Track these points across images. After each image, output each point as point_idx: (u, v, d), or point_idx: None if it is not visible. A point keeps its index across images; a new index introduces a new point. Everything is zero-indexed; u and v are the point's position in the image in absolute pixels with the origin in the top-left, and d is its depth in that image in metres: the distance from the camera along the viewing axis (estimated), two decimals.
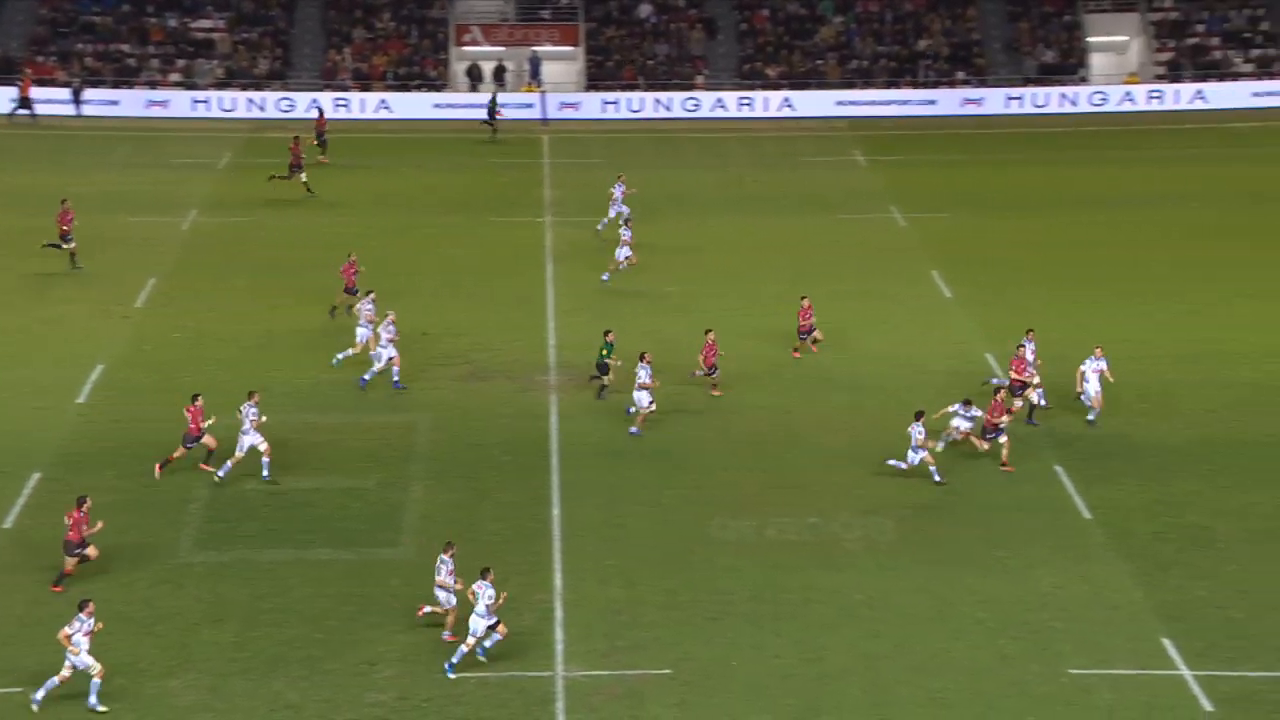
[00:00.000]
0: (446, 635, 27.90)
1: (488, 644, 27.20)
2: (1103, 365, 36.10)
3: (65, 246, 47.07)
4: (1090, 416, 36.13)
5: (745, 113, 70.88)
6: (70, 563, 29.48)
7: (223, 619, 28.44)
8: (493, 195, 57.29)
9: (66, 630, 25.70)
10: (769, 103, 71.26)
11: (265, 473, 33.68)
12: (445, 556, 28.01)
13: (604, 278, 46.52)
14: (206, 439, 33.79)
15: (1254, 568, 29.76)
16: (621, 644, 27.93)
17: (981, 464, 34.59)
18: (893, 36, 74.65)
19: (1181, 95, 70.42)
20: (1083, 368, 36.27)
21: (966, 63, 73.43)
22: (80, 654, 25.66)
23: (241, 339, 42.64)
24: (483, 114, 65.94)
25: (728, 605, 29.30)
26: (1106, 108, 70.33)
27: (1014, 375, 36.66)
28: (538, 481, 34.34)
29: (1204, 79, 71.47)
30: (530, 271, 48.78)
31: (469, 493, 33.87)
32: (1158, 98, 70.58)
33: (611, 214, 50.92)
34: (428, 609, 28.32)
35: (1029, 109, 70.44)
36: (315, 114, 63.89)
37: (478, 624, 26.94)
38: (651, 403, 36.40)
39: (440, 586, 27.97)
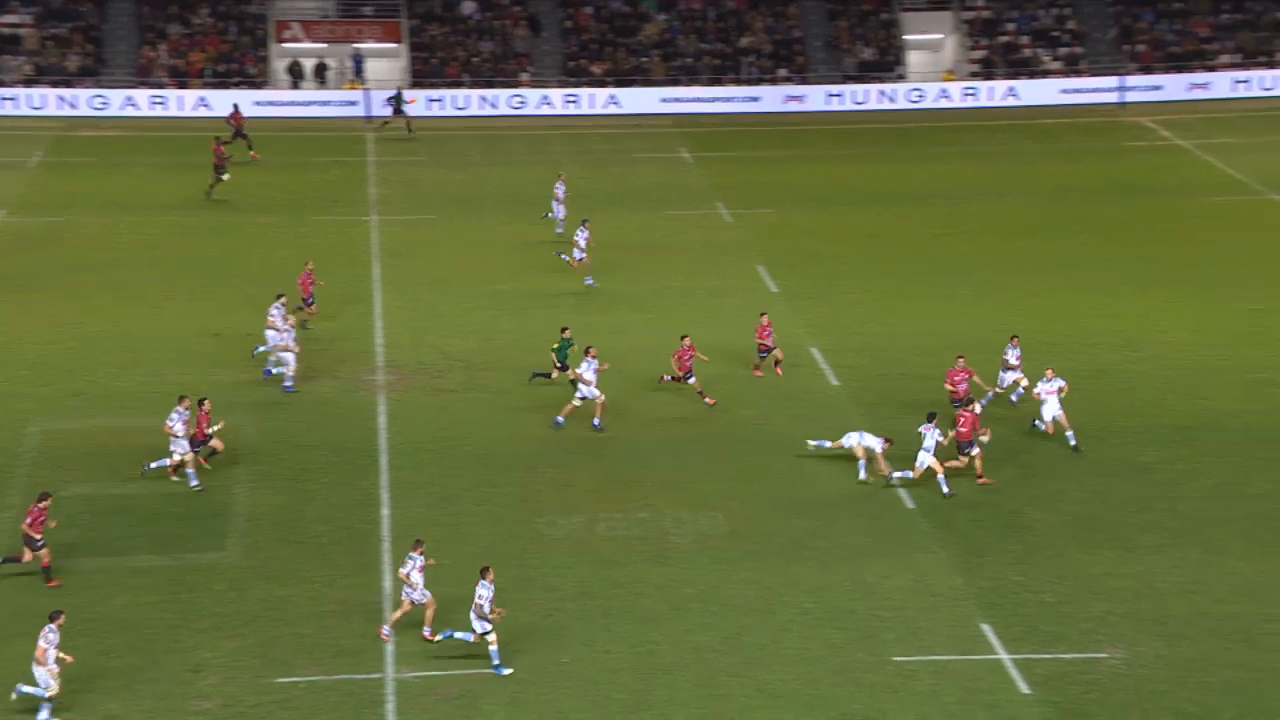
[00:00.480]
0: (428, 632, 27.63)
1: (469, 638, 26.95)
2: (1058, 384, 34.72)
3: None
4: (1072, 443, 34.48)
5: (571, 110, 70.93)
6: None
7: (37, 631, 27.60)
8: (316, 194, 56.54)
9: (41, 644, 25.23)
10: (595, 100, 71.39)
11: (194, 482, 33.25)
12: (414, 554, 27.79)
13: (589, 281, 46.15)
14: (214, 442, 33.52)
15: (1066, 553, 30.59)
16: (453, 644, 27.74)
17: (809, 456, 35.04)
18: (715, 34, 75.28)
19: (995, 92, 72.11)
20: (1037, 391, 34.99)
21: (788, 60, 74.35)
22: (41, 665, 25.17)
23: (57, 341, 41.52)
24: (306, 111, 64.88)
25: (558, 602, 29.28)
26: (924, 104, 71.75)
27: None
28: (366, 482, 33.98)
29: (1015, 76, 73.28)
30: (357, 271, 48.25)
31: (295, 494, 33.39)
32: (972, 95, 72.19)
33: (560, 213, 50.81)
34: (388, 629, 27.81)
35: (849, 106, 71.58)
36: (231, 111, 62.16)
37: (477, 623, 26.85)
38: (599, 394, 36.29)
39: (409, 585, 27.72)
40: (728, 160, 62.74)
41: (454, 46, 74.09)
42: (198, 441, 33.53)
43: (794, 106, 71.65)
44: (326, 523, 32.21)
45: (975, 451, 33.20)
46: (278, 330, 38.50)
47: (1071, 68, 73.71)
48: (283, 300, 39.21)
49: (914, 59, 75.49)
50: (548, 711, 25.94)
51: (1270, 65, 73.23)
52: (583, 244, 46.05)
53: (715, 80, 73.35)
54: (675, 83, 72.87)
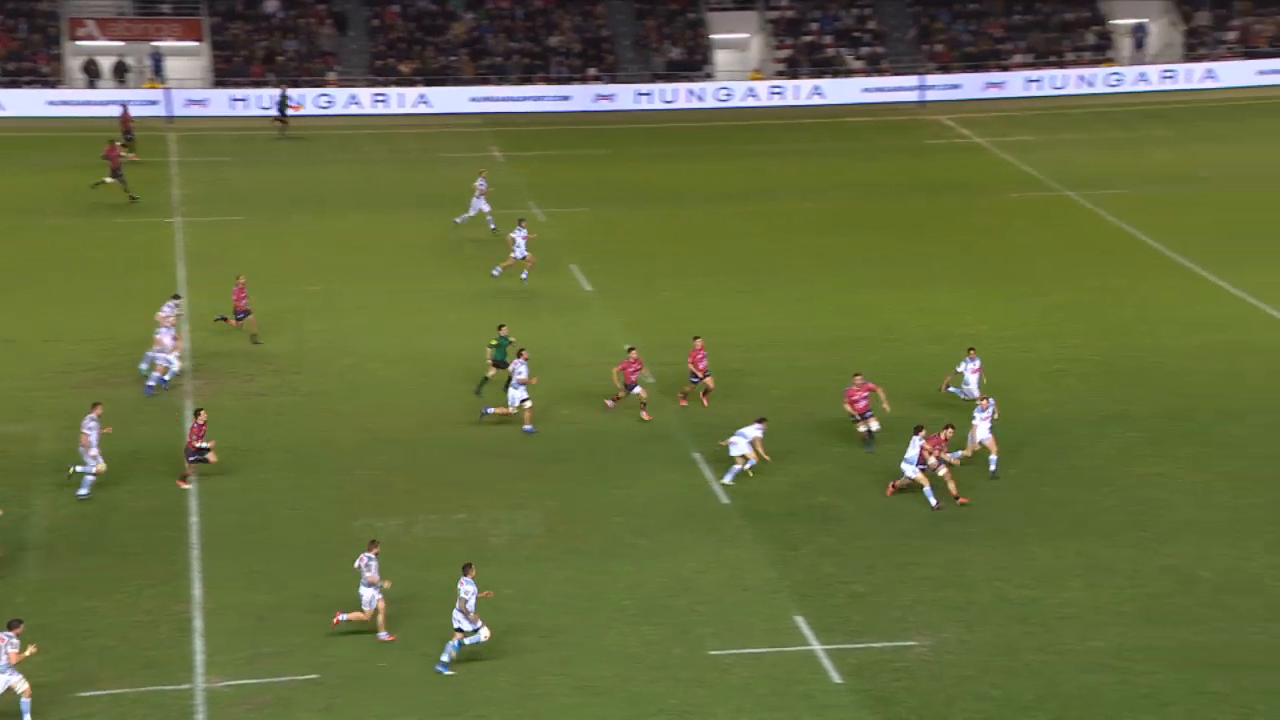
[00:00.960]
0: (384, 636, 27.48)
1: (468, 642, 26.86)
2: (992, 413, 33.69)
3: None
4: (992, 468, 33.55)
5: (380, 109, 70.29)
6: None
7: None
8: (117, 195, 55.13)
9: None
10: (404, 99, 70.84)
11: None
12: (369, 555, 27.59)
13: (523, 276, 45.87)
14: (210, 457, 32.96)
15: (876, 544, 31.21)
16: (266, 650, 27.34)
17: (625, 454, 35.23)
18: (524, 33, 75.23)
19: (800, 91, 73.26)
20: (974, 421, 33.90)
21: (597, 59, 74.64)
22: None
23: None
24: (117, 113, 63.15)
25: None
26: (732, 103, 72.59)
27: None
28: (174, 489, 33.27)
29: (820, 75, 74.54)
30: (161, 273, 47.21)
31: (100, 503, 32.55)
32: (779, 93, 73.24)
33: (475, 210, 50.82)
34: (344, 616, 27.60)
35: (658, 104, 72.12)
36: (119, 111, 60.51)
37: (463, 621, 26.71)
38: (527, 399, 35.94)
39: (369, 584, 27.46)
40: (540, 159, 62.76)
41: (257, 45, 72.88)
42: (191, 452, 32.97)
43: (604, 105, 71.95)
44: (133, 531, 31.48)
45: (943, 472, 32.34)
46: (167, 338, 37.86)
47: (873, 67, 75.23)
48: (177, 301, 39.30)
49: (721, 58, 76.35)
50: (363, 716, 25.71)
51: (1060, 65, 75.63)
52: (521, 242, 45.77)
53: (525, 79, 73.34)
54: (485, 82, 72.67)
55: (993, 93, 73.30)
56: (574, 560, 30.75)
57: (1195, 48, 76.65)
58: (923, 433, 32.42)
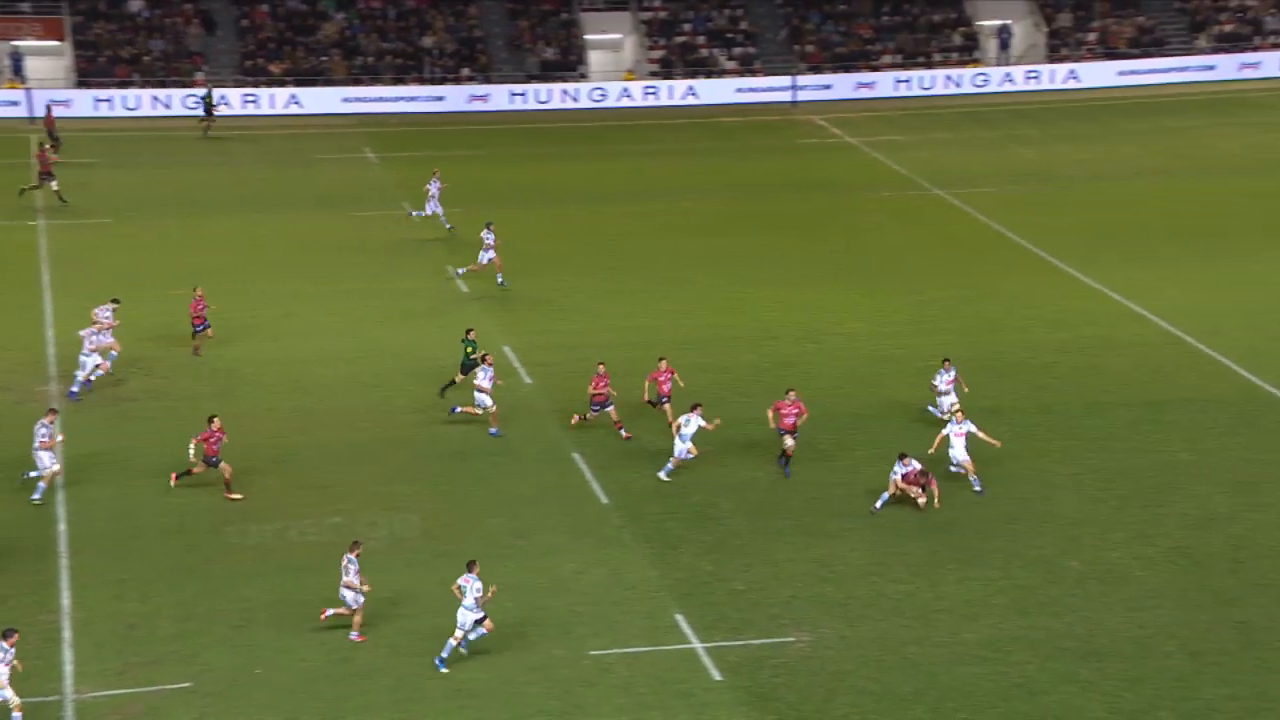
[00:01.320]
0: (354, 636, 27.47)
1: (472, 637, 26.94)
2: (968, 428, 33.05)
3: None
4: (976, 488, 32.99)
5: (251, 110, 69.32)
6: None
7: None
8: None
9: None
10: (275, 100, 69.95)
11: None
12: (351, 556, 27.55)
13: (500, 280, 45.49)
14: (223, 466, 32.67)
15: (754, 541, 31.37)
16: (137, 660, 26.83)
17: (504, 455, 35.07)
18: (397, 33, 74.65)
19: (675, 91, 73.50)
20: (945, 432, 33.28)
21: (471, 60, 74.27)
22: (2, 686, 24.62)
23: None
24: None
25: (250, 612, 28.60)
26: (606, 104, 72.62)
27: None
28: (43, 498, 32.52)
29: (694, 76, 74.84)
30: (24, 277, 46.14)
31: None
32: (653, 94, 73.41)
33: (429, 210, 50.45)
34: (331, 611, 27.42)
35: (533, 105, 71.94)
36: (44, 113, 59.36)
37: (465, 617, 26.74)
38: (492, 403, 35.70)
39: (347, 586, 27.45)
40: (414, 160, 62.25)
41: (122, 45, 71.55)
42: (211, 460, 32.48)
43: (478, 106, 71.63)
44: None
45: (934, 488, 32.16)
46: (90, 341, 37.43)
47: (746, 68, 75.69)
48: (115, 305, 38.86)
49: (595, 59, 76.35)
50: None
51: (928, 66, 76.65)
52: (490, 244, 45.25)
53: (398, 80, 72.76)
54: (357, 82, 72.00)
55: (863, 93, 74.10)
56: (451, 563, 30.48)
57: (1058, 49, 78.10)
58: (906, 460, 32.00)
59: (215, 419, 32.79)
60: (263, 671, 26.78)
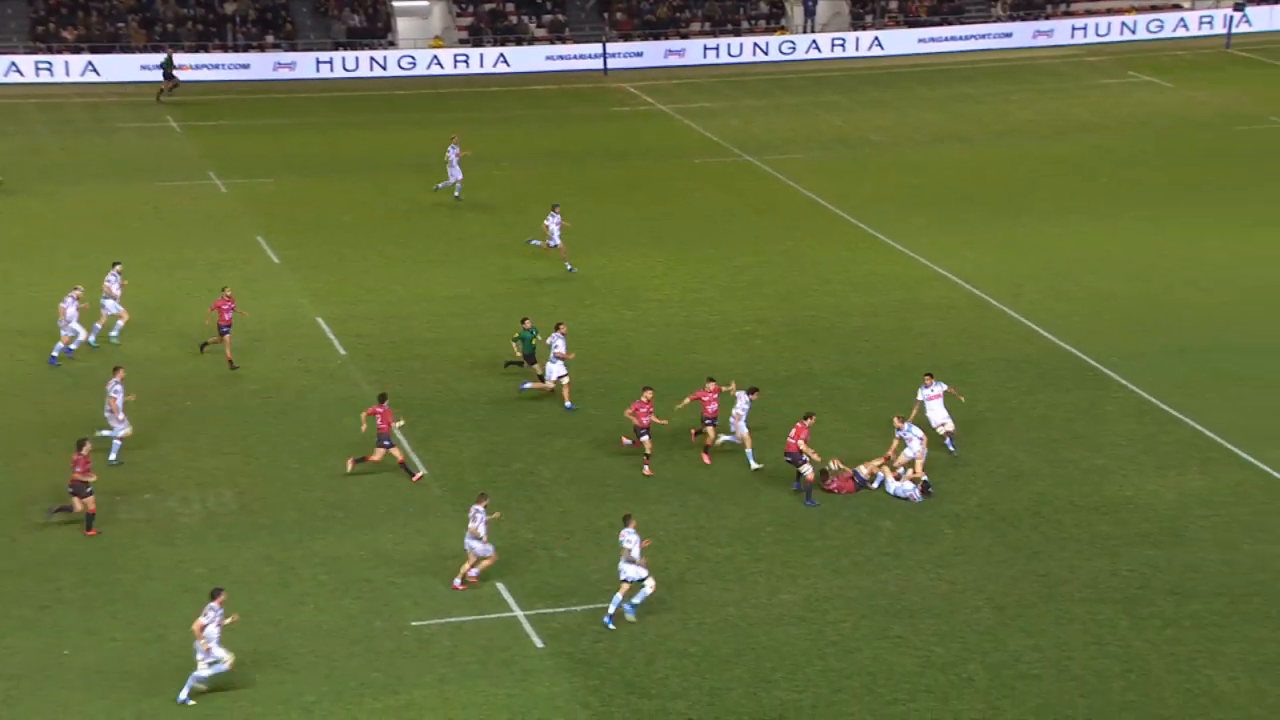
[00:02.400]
0: (458, 583, 28.09)
1: (637, 600, 26.98)
2: (941, 388, 33.17)
3: None
4: (950, 448, 33.23)
5: (45, 78, 67.08)
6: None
7: None
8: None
9: (200, 620, 24.69)
10: (70, 67, 67.77)
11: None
12: (479, 507, 28.01)
13: (569, 268, 43.70)
14: (394, 450, 32.15)
15: (574, 509, 31.38)
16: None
17: (321, 426, 34.56)
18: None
19: (486, 59, 72.95)
20: (919, 397, 33.31)
21: (276, 27, 72.74)
22: (212, 647, 24.73)
23: None
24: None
25: (57, 592, 27.81)
26: (416, 71, 71.79)
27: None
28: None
29: (504, 43, 74.33)
30: None
31: None
32: (464, 61, 72.78)
33: (453, 179, 49.73)
34: (466, 576, 28.04)
35: (340, 73, 70.78)
36: None
37: (629, 571, 26.81)
38: (566, 374, 35.29)
39: (473, 536, 27.92)
40: (218, 129, 60.87)
41: None
42: (384, 438, 31.86)
43: (285, 74, 70.26)
44: None
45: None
46: (114, 297, 38.19)
47: (556, 35, 75.40)
48: (119, 269, 38.61)
49: (403, 26, 75.38)
50: (45, 706, 24.65)
51: (736, 33, 77.22)
52: (554, 229, 43.38)
53: (200, 47, 71.01)
54: (157, 49, 70.07)
55: (673, 60, 74.39)
56: (267, 536, 30.04)
57: (861, 17, 79.26)
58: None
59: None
60: (71, 652, 26.05)
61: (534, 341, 36.33)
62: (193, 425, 34.65)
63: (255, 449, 33.61)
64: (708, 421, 33.28)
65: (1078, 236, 48.66)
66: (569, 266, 43.86)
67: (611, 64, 73.12)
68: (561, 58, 73.60)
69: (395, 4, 75.47)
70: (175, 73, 64.05)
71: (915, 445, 32.01)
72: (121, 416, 32.77)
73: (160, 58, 65.48)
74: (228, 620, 25.24)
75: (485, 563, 28.46)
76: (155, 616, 27.21)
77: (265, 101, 66.06)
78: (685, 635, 27.08)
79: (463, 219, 50.22)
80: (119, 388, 32.74)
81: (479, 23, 75.23)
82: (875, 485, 32.20)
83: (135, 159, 56.21)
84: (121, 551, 29.18)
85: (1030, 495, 31.96)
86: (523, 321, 36.75)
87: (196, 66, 69.16)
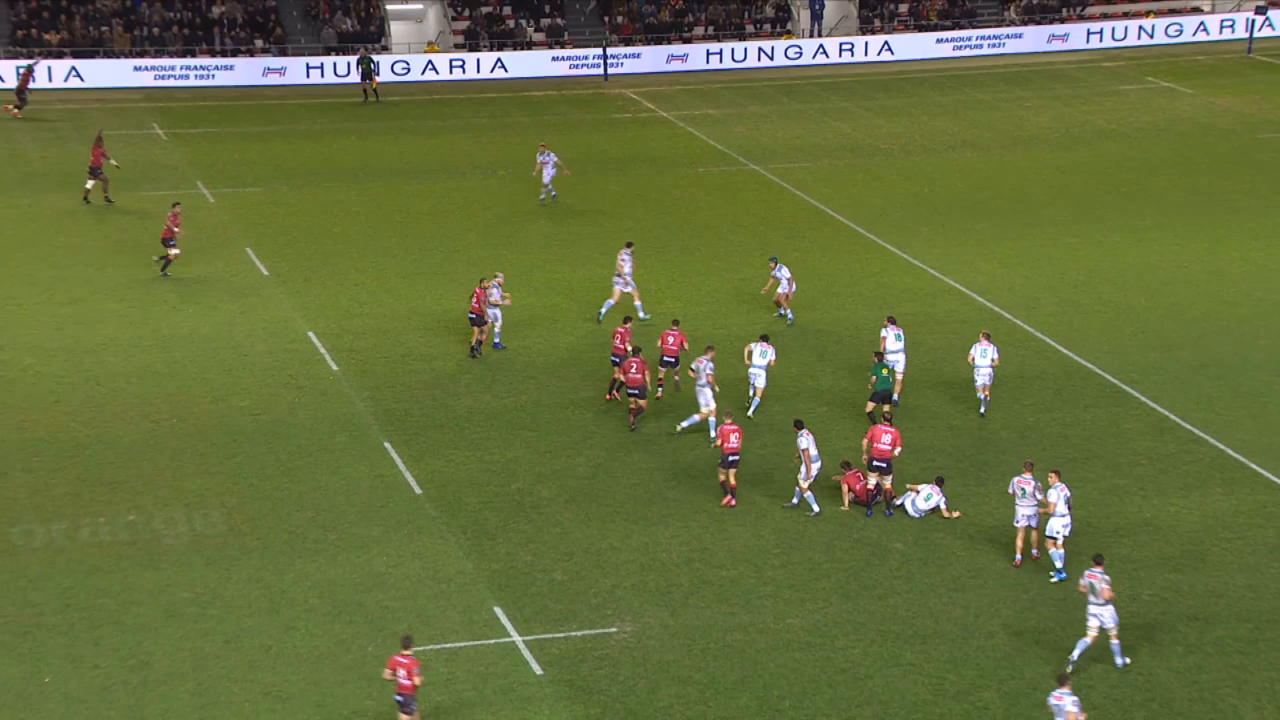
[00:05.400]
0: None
1: (1116, 648, 26.88)
2: (991, 353, 36.18)
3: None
4: (981, 410, 36.28)
5: (28, 83, 67.00)
6: None
7: None
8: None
9: None
10: (55, 72, 67.82)
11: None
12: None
13: (788, 316, 42.05)
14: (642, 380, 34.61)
15: (574, 530, 31.33)
16: None
17: (311, 444, 34.53)
18: (183, 2, 72.88)
19: (483, 64, 73.02)
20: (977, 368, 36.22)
21: (264, 31, 72.84)
22: None
23: None
24: None
25: (38, 617, 27.78)
26: (410, 77, 71.84)
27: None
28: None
29: (501, 48, 74.39)
30: None
31: None
32: (460, 67, 72.86)
33: (547, 179, 51.13)
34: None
35: (331, 79, 70.83)
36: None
37: (1102, 614, 26.69)
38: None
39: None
40: (206, 136, 60.92)
41: None
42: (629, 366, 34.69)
43: (274, 80, 70.32)
44: None
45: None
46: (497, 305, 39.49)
47: (555, 40, 75.48)
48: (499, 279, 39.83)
49: (397, 30, 75.46)
50: None
51: (741, 38, 77.31)
52: (785, 280, 41.92)
53: (187, 51, 71.09)
54: (142, 54, 70.14)
55: (676, 66, 74.46)
56: (256, 560, 29.99)
57: (870, 20, 79.35)
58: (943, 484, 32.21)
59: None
60: (52, 679, 25.98)
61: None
62: (179, 443, 34.60)
63: (244, 468, 33.56)
64: (667, 361, 36.51)
65: (1095, 248, 48.66)
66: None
67: (612, 69, 73.20)
68: (561, 62, 73.68)
69: (389, 7, 75.57)
70: (374, 76, 66.86)
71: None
72: (708, 394, 34.41)
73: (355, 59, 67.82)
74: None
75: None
76: (139, 643, 27.16)
77: (254, 108, 66.12)
78: (689, 662, 27.02)
79: (458, 229, 50.21)
80: (709, 365, 34.44)
81: (475, 27, 75.33)
82: (897, 502, 32.04)
83: (120, 168, 56.21)
84: (104, 575, 29.12)
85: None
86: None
87: (183, 71, 69.23)
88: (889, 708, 25.76)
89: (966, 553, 30.66)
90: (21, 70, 63.55)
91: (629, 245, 42.72)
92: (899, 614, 28.49)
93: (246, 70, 70.13)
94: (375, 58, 68.31)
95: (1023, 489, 30.33)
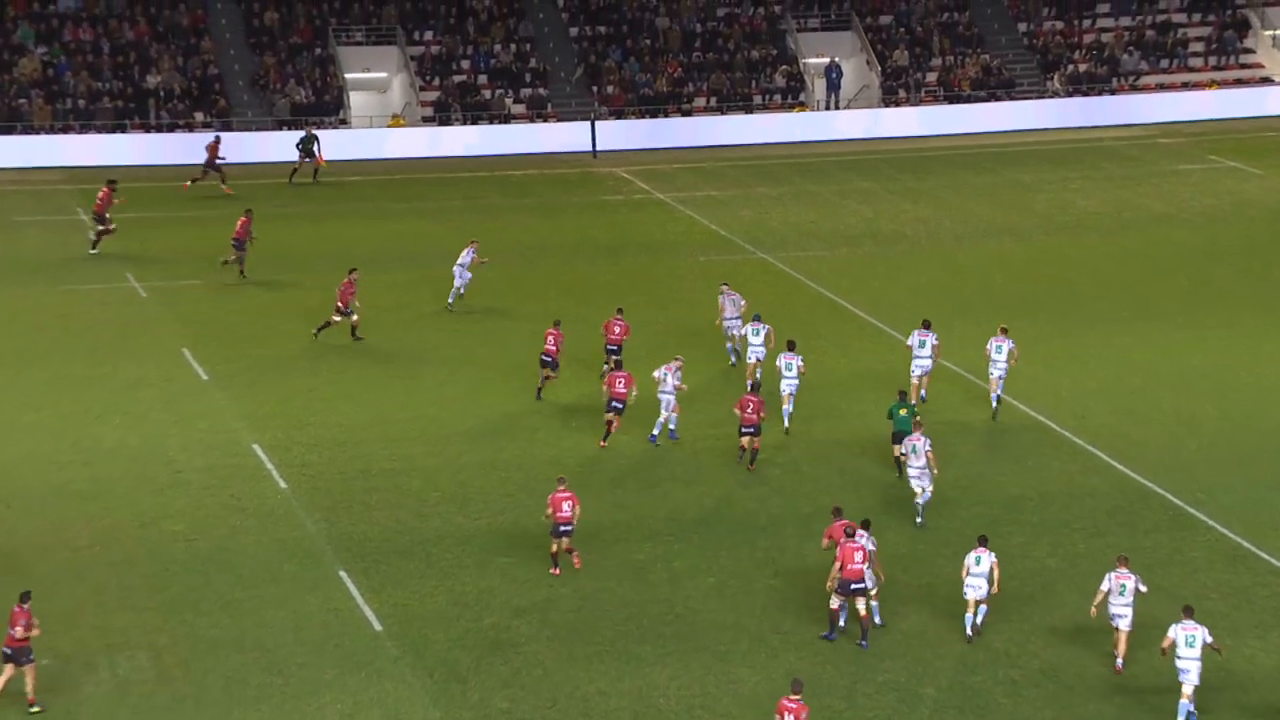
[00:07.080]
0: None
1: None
2: (1008, 347, 43.01)
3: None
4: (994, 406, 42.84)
5: None
6: None
7: None
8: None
9: None
10: None
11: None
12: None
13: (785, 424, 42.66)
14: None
15: (557, 672, 31.16)
16: None
17: (255, 574, 34.44)
18: (113, 71, 73.64)
19: (454, 140, 73.62)
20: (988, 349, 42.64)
21: (207, 102, 73.50)
22: None
23: None
24: None
25: None
26: (371, 154, 72.43)
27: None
28: None
29: (475, 121, 75.07)
30: None
31: None
32: (429, 142, 73.46)
33: (458, 282, 51.50)
34: None
35: (284, 155, 71.35)
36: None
37: (1189, 668, 29.35)
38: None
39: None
40: (139, 222, 61.20)
41: None
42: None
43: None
44: None
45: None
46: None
47: (537, 112, 76.18)
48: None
49: (356, 101, 76.21)
50: None
51: (747, 110, 77.99)
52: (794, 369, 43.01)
53: (117, 126, 71.70)
54: (66, 130, 70.74)
55: (673, 141, 75.09)
56: (190, 710, 29.82)
57: (894, 91, 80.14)
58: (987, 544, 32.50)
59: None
60: None
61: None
62: (101, 574, 34.49)
63: (176, 603, 33.43)
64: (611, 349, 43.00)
65: (1153, 348, 48.88)
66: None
67: (602, 145, 73.83)
68: (543, 137, 74.33)
69: (349, 76, 76.32)
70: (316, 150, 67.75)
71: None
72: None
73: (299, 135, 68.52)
74: None
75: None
76: None
77: (193, 189, 66.53)
78: None
79: (424, 329, 50.37)
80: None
81: (446, 98, 76.07)
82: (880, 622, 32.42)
83: (40, 257, 56.51)
84: None
85: (1102, 659, 31.77)
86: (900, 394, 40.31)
87: (112, 147, 69.80)
88: None
89: (1009, 700, 30.50)
90: None
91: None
92: None
93: (184, 146, 70.56)
94: (317, 133, 68.82)
95: (1122, 585, 30.47)
